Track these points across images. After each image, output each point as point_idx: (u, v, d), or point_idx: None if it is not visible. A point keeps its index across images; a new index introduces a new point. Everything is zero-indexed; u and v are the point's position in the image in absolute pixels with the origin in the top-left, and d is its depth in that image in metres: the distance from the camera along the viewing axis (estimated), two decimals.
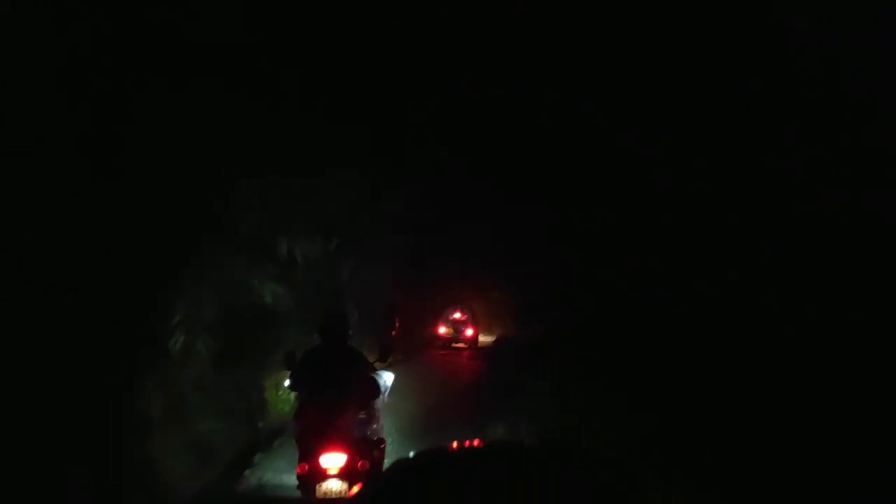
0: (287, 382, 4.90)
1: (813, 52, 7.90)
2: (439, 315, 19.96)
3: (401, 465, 1.42)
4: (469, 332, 19.65)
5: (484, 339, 21.79)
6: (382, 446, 4.82)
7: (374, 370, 4.86)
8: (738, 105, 9.19)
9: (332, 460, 4.31)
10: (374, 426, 4.77)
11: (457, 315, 19.84)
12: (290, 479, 4.75)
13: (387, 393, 5.04)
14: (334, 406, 4.48)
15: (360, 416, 4.60)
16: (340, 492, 4.31)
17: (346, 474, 4.30)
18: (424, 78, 11.29)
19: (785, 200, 9.09)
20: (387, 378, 4.99)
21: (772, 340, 9.20)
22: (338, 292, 11.12)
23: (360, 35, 9.19)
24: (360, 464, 4.34)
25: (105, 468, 4.87)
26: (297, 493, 4.52)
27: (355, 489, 4.24)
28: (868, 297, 8.06)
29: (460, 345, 19.37)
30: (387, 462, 4.65)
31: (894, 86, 7.40)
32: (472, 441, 1.49)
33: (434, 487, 1.18)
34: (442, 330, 19.62)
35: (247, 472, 6.50)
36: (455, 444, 1.41)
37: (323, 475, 4.32)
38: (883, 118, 7.66)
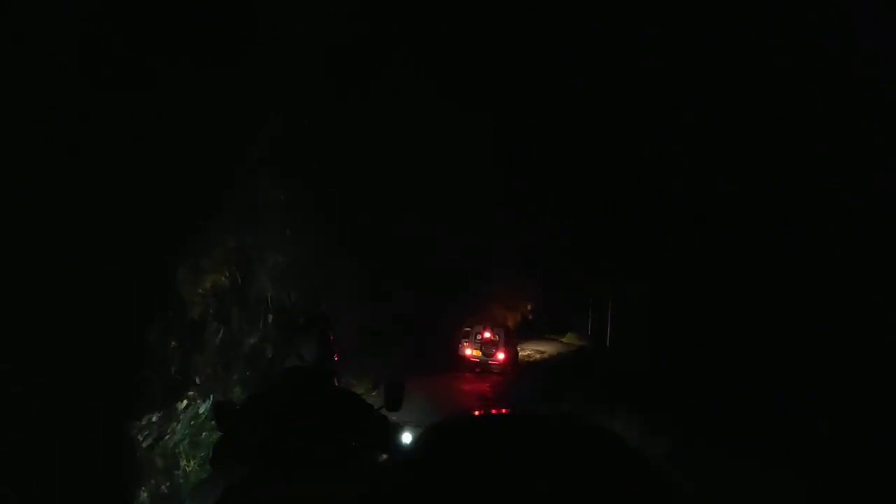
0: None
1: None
2: (465, 334, 17.21)
3: (434, 430, 1.17)
4: (500, 355, 16.53)
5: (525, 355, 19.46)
6: None
7: (389, 431, 2.84)
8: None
9: None
10: None
11: (486, 335, 16.87)
12: None
13: None
14: None
15: None
16: None
17: None
18: None
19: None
20: (404, 438, 2.97)
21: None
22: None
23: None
24: None
25: None
26: None
27: None
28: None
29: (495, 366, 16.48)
30: None
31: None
32: (500, 410, 1.36)
33: (465, 451, 1.08)
34: (468, 352, 16.77)
35: None
36: (480, 413, 1.29)
37: None
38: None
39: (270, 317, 7.45)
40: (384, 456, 2.89)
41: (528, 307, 25.06)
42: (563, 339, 25.40)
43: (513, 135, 14.69)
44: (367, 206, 10.49)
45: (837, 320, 8.95)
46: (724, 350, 10.82)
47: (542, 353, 21.73)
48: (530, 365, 19.27)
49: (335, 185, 9.18)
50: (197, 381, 6.17)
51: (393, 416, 2.94)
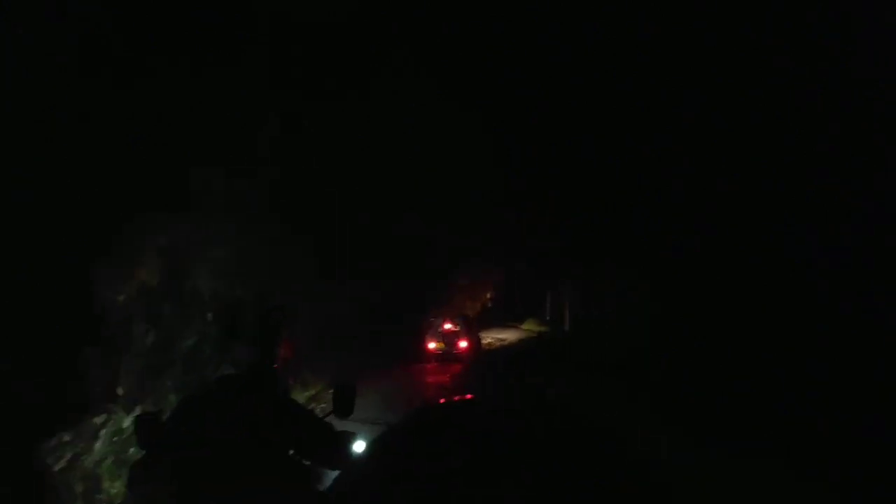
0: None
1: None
2: (429, 325, 17.79)
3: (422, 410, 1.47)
4: (463, 343, 17.30)
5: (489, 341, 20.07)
6: None
7: (333, 441, 2.53)
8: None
9: None
10: None
11: (447, 326, 17.55)
12: None
13: None
14: None
15: None
16: None
17: None
18: None
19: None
20: (356, 447, 2.62)
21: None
22: None
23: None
24: None
25: None
26: None
27: None
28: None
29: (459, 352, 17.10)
30: None
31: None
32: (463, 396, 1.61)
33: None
34: (431, 345, 17.34)
35: None
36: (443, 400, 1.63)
37: None
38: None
39: (210, 314, 6.83)
40: (327, 470, 2.58)
41: (488, 295, 25.28)
42: (523, 326, 25.57)
43: (513, 135, 14.69)
44: (367, 204, 10.50)
45: (837, 320, 8.92)
46: (724, 350, 10.80)
47: (501, 340, 21.97)
48: (490, 353, 19.40)
49: (336, 185, 9.15)
50: (119, 391, 5.58)
51: (359, 418, 2.71)
